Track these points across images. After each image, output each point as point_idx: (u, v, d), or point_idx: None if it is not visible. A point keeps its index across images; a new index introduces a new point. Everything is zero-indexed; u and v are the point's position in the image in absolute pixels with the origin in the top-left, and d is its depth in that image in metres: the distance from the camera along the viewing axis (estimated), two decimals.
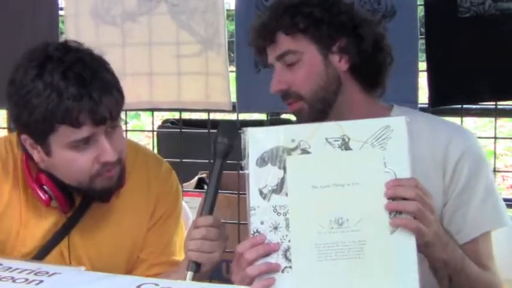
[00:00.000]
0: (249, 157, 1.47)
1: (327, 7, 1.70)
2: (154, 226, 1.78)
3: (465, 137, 1.72)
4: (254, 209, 1.45)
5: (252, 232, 1.44)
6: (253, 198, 1.46)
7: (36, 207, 1.69)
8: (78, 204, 1.70)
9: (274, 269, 1.40)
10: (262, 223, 1.44)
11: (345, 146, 1.44)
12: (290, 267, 1.40)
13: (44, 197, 1.65)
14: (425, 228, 1.38)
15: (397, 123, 1.43)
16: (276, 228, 1.43)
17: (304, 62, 1.69)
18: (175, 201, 1.82)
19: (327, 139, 1.45)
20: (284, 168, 1.45)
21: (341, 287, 1.38)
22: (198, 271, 1.51)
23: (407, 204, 1.38)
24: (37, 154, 1.61)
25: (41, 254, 1.68)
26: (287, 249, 1.41)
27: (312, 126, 1.48)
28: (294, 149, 1.45)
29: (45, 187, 1.64)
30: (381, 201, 1.39)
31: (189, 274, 1.50)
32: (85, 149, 1.56)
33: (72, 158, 1.57)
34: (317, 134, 1.45)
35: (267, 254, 1.42)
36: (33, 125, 1.55)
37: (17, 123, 1.61)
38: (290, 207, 1.43)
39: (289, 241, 1.42)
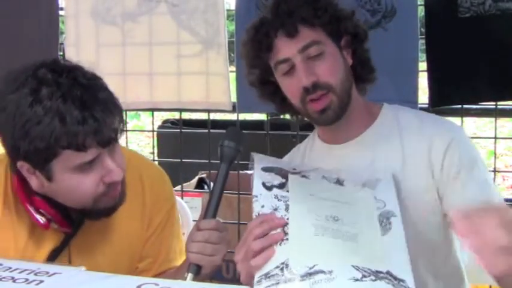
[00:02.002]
0: (254, 164, 1.56)
1: (334, 3, 1.72)
2: (153, 235, 1.75)
3: (449, 128, 1.71)
4: (256, 196, 1.49)
5: (254, 216, 1.47)
6: (256, 189, 1.50)
7: (34, 231, 1.62)
8: (74, 219, 1.64)
9: (275, 239, 1.42)
10: (263, 206, 1.47)
11: (339, 183, 1.58)
12: (287, 239, 1.42)
13: (42, 222, 1.58)
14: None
15: (386, 175, 1.60)
16: (276, 209, 1.47)
17: (328, 54, 1.68)
18: (171, 208, 1.79)
19: (323, 176, 1.59)
20: (286, 178, 1.54)
21: (335, 260, 1.39)
22: (199, 274, 1.51)
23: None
24: (35, 180, 1.53)
25: None
26: (285, 225, 1.44)
27: (312, 166, 1.66)
28: (295, 173, 1.58)
29: (41, 211, 1.57)
30: (372, 218, 1.47)
31: (189, 276, 1.50)
32: (90, 170, 1.50)
33: (77, 182, 1.51)
34: (316, 171, 1.61)
35: (272, 229, 1.44)
36: (33, 154, 1.47)
37: (12, 153, 1.52)
38: (290, 198, 1.49)
39: (287, 219, 1.45)
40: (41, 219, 1.57)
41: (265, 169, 1.55)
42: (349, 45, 1.72)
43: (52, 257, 1.62)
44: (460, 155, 1.65)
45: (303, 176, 1.58)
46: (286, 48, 1.67)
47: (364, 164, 1.55)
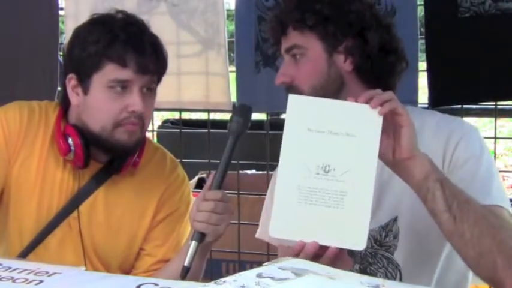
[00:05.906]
0: None
1: (337, 6, 1.69)
2: (165, 221, 1.84)
3: (464, 127, 1.71)
4: None
5: None
6: None
7: (56, 157, 1.77)
8: (90, 177, 1.78)
9: None
10: None
11: None
12: None
13: (63, 146, 1.73)
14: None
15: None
16: None
17: (309, 58, 1.69)
18: (187, 207, 1.86)
19: None
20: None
21: (314, 231, 1.42)
22: (203, 241, 1.56)
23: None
24: (75, 96, 1.74)
25: (52, 224, 1.77)
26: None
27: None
28: None
29: (69, 138, 1.72)
30: (371, 155, 1.44)
31: (194, 243, 1.54)
32: (119, 94, 1.69)
33: (106, 99, 1.69)
34: None
35: None
36: (83, 60, 1.69)
37: (68, 61, 1.77)
38: (283, 147, 1.48)
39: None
40: (63, 144, 1.73)
41: None
42: (349, 50, 1.68)
43: (64, 209, 1.77)
44: (467, 147, 1.64)
45: None
46: (282, 45, 1.75)
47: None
